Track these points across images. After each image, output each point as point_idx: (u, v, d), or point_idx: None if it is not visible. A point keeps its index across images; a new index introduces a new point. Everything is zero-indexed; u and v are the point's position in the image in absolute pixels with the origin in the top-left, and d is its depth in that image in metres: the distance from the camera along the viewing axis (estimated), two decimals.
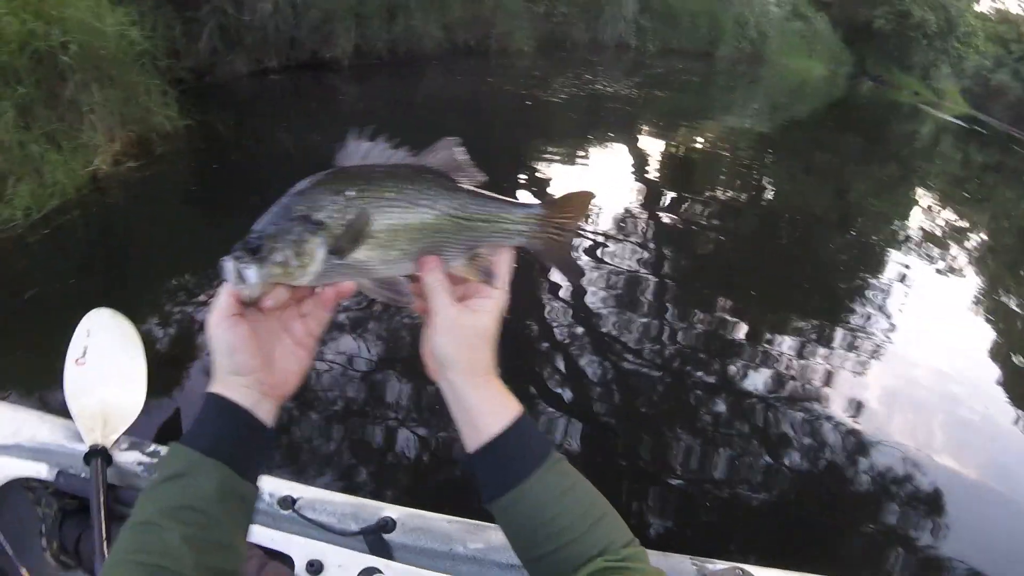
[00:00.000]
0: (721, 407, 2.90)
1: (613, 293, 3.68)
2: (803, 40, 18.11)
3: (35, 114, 3.47)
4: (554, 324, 3.25)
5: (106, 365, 1.49)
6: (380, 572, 1.08)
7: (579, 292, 3.54)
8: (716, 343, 3.39)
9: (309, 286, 0.60)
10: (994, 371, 3.81)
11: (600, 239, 4.29)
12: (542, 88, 8.81)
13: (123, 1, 4.45)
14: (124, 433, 1.32)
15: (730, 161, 7.43)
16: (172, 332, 2.73)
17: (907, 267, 5.10)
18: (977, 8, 27.58)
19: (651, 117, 8.90)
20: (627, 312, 3.51)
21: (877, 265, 5.06)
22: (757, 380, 3.09)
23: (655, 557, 1.14)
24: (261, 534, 1.13)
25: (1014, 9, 31.83)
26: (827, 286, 4.50)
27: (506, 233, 0.64)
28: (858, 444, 2.76)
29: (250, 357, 0.58)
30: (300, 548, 1.13)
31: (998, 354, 4.03)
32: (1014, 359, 3.99)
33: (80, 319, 1.57)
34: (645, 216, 5.06)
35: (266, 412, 0.60)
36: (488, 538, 1.16)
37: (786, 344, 3.44)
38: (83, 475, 1.21)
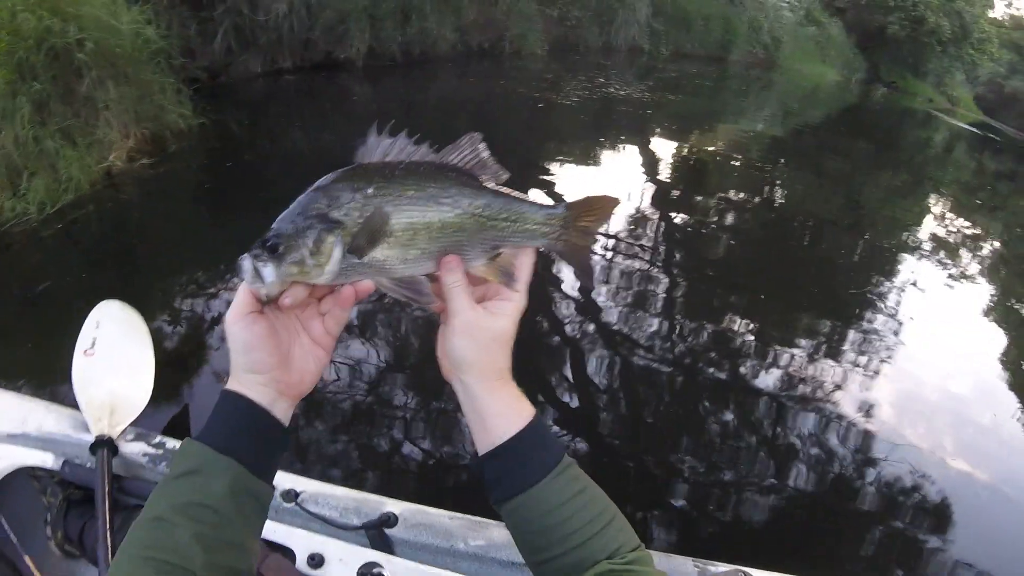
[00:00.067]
0: (727, 409, 2.89)
1: (622, 294, 3.67)
2: (816, 45, 18.01)
3: (51, 110, 3.52)
4: (562, 323, 3.24)
5: (114, 356, 1.50)
6: (381, 567, 1.08)
7: (588, 292, 3.53)
8: (724, 345, 3.37)
9: (328, 285, 0.59)
10: (1004, 378, 3.77)
11: (611, 240, 4.28)
12: (555, 91, 8.81)
13: (139, 0, 4.51)
14: (130, 424, 1.33)
15: (742, 166, 7.39)
16: (182, 327, 2.75)
17: (918, 274, 5.05)
18: (991, 14, 27.29)
19: (663, 121, 8.87)
20: (635, 313, 3.50)
21: (888, 271, 5.02)
22: (764, 383, 3.07)
23: (657, 558, 1.14)
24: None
25: None
26: (838, 291, 4.46)
27: (528, 234, 0.63)
28: (865, 449, 2.74)
29: (267, 355, 0.58)
30: (302, 541, 1.14)
31: (1008, 361, 3.98)
32: None
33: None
34: (656, 219, 5.05)
35: (282, 411, 0.60)
36: (490, 535, 1.16)
37: (795, 348, 3.42)
38: (89, 465, 1.22)
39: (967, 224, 7.37)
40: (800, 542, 2.25)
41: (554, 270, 3.60)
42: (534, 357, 2.92)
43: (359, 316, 2.93)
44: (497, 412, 0.61)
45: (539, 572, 0.61)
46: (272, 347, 0.58)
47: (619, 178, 5.91)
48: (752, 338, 3.46)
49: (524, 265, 0.64)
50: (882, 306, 4.27)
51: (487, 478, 0.61)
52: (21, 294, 2.87)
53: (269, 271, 0.55)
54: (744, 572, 1.09)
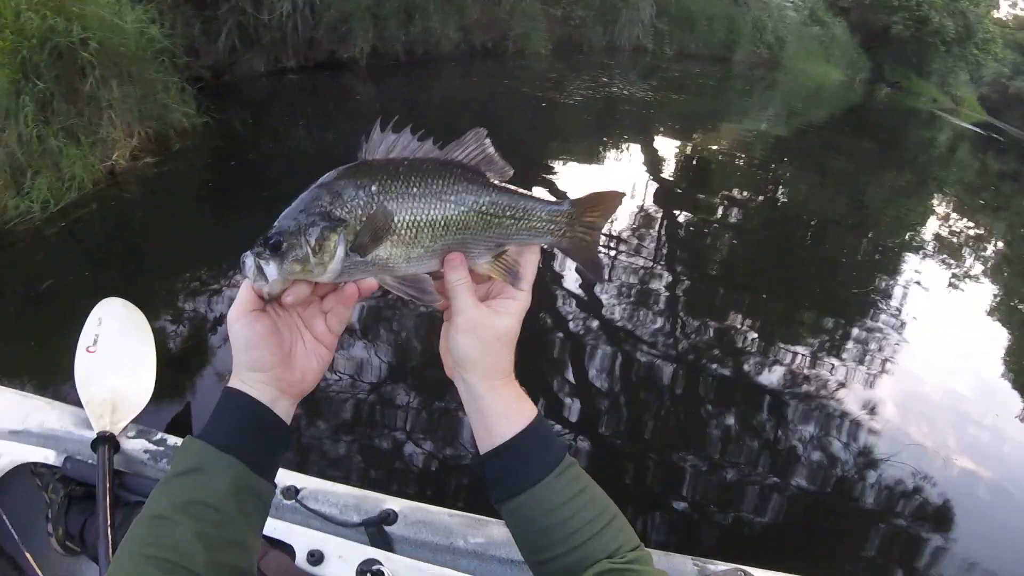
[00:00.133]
0: (729, 409, 2.88)
1: (625, 292, 3.68)
2: (820, 45, 17.97)
3: (54, 109, 3.53)
4: (564, 321, 3.24)
5: (116, 354, 1.51)
6: (380, 564, 1.09)
7: (591, 290, 3.53)
8: (726, 344, 3.37)
9: (330, 283, 0.59)
10: (1007, 378, 3.76)
11: (614, 240, 4.28)
12: (558, 90, 8.81)
13: None
14: (132, 422, 1.33)
15: (746, 165, 7.38)
16: (184, 325, 2.76)
17: (922, 274, 5.03)
18: (996, 14, 27.17)
19: (667, 120, 8.87)
20: (638, 312, 3.50)
21: (892, 271, 5.00)
22: (766, 382, 3.07)
23: (657, 557, 1.14)
24: None
25: None
26: (840, 290, 4.45)
27: (534, 231, 0.63)
28: (867, 448, 2.73)
29: (269, 353, 0.57)
30: (301, 538, 1.14)
31: (1011, 361, 3.97)
32: None
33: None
34: (659, 217, 5.05)
35: (284, 409, 0.59)
36: (489, 533, 1.16)
37: (797, 347, 3.41)
38: (90, 462, 1.23)
39: (970, 224, 7.35)
40: (801, 542, 2.24)
41: (556, 268, 3.60)
42: (536, 355, 2.92)
43: (361, 313, 2.93)
44: (499, 411, 0.61)
45: (539, 571, 0.61)
46: (274, 345, 0.58)
47: (623, 177, 5.90)
48: (754, 337, 3.46)
49: (529, 263, 0.64)
50: (885, 306, 4.26)
51: (489, 477, 0.61)
52: (24, 292, 2.89)
53: (272, 269, 0.54)
54: (744, 571, 1.09)
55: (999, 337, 4.38)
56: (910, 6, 19.04)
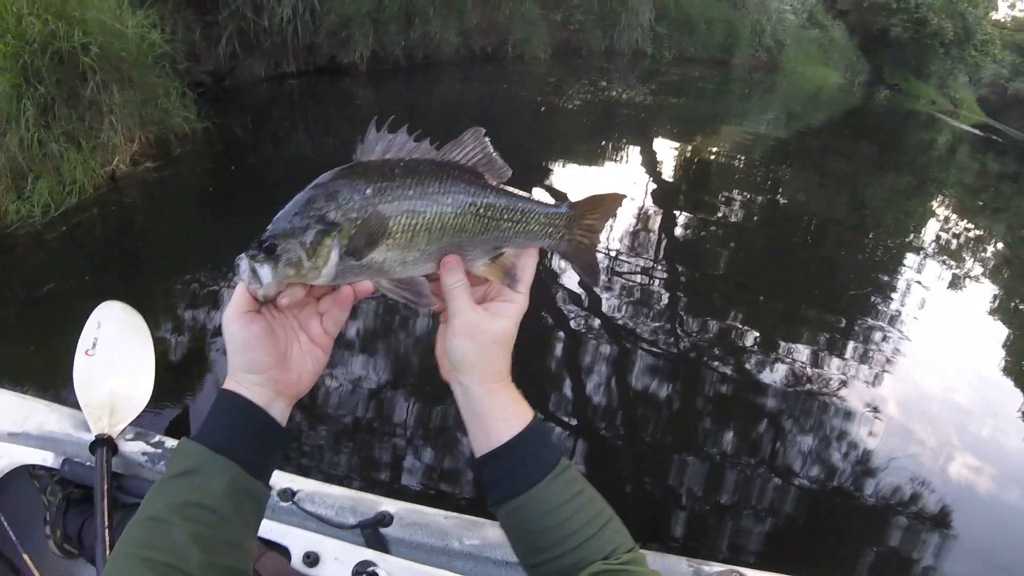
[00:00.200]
0: (726, 409, 2.89)
1: (624, 294, 3.68)
2: (819, 48, 17.99)
3: (55, 113, 3.54)
4: (561, 321, 3.25)
5: (115, 357, 1.51)
6: (375, 565, 1.09)
7: (589, 291, 3.53)
8: (725, 346, 3.37)
9: (326, 285, 0.58)
10: (1007, 380, 3.75)
11: (613, 243, 4.29)
12: (557, 95, 8.84)
13: (144, 4, 4.54)
14: (130, 424, 1.34)
15: (745, 168, 7.39)
16: (184, 329, 2.77)
17: (922, 275, 5.04)
18: (994, 16, 27.18)
19: (666, 124, 8.89)
20: (636, 313, 3.50)
21: (892, 274, 5.01)
22: (764, 383, 3.07)
23: (652, 558, 1.14)
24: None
25: None
26: (840, 292, 4.46)
27: (532, 234, 0.62)
28: (866, 451, 2.73)
29: (264, 355, 0.57)
30: (297, 539, 1.14)
31: (1012, 365, 3.96)
32: None
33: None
34: (658, 221, 5.06)
35: (280, 411, 0.59)
36: (484, 534, 1.16)
37: (796, 351, 3.41)
38: (88, 464, 1.23)
39: (970, 226, 7.36)
40: (797, 544, 2.24)
41: (554, 269, 3.61)
42: (533, 357, 2.93)
43: (357, 316, 2.94)
44: (496, 414, 0.61)
45: (535, 573, 0.61)
46: (270, 347, 0.58)
47: (622, 180, 5.91)
48: (753, 338, 3.46)
49: (527, 266, 0.63)
50: (885, 308, 4.26)
51: (486, 479, 0.61)
52: (25, 295, 2.90)
53: (266, 272, 0.54)
54: (739, 572, 1.09)
55: (999, 337, 4.38)
56: (909, 8, 19.06)
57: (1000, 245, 7.04)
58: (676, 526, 2.19)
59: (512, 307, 0.62)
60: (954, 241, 6.56)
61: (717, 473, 2.46)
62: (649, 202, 5.45)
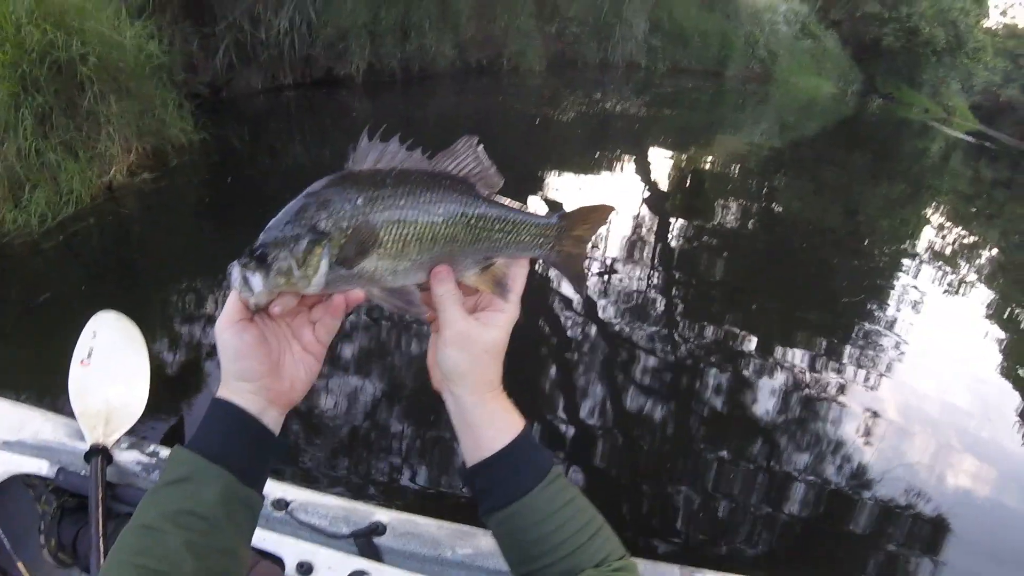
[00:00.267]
0: (721, 416, 2.89)
1: (618, 304, 3.69)
2: (812, 59, 18.15)
3: (53, 123, 3.55)
4: (552, 331, 3.26)
5: (110, 366, 1.52)
6: (369, 575, 1.10)
7: (582, 300, 3.55)
8: (720, 353, 3.38)
9: (317, 294, 0.58)
10: (1003, 385, 3.77)
11: (607, 254, 4.31)
12: (552, 107, 8.90)
13: (142, 15, 4.57)
14: (125, 433, 1.34)
15: (739, 179, 7.44)
16: (179, 339, 2.77)
17: (917, 283, 5.07)
18: (986, 24, 27.46)
19: (660, 135, 8.94)
20: (630, 322, 3.51)
21: (887, 282, 5.03)
22: (756, 392, 3.08)
23: (644, 566, 1.15)
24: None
25: (1022, 23, 31.78)
26: (836, 303, 4.47)
27: (522, 244, 0.62)
28: (862, 461, 2.73)
29: (257, 363, 0.58)
30: (291, 549, 1.15)
31: (1008, 371, 3.98)
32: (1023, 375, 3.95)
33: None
34: (653, 232, 5.08)
35: (272, 419, 0.59)
36: (477, 543, 1.17)
37: (790, 360, 3.42)
38: (83, 473, 1.23)
39: (964, 233, 7.41)
40: (792, 553, 2.24)
41: (546, 279, 3.62)
42: (526, 366, 2.94)
43: (350, 324, 2.95)
44: (488, 424, 0.61)
45: None
46: (262, 355, 0.58)
47: (616, 192, 5.95)
48: (750, 345, 3.47)
49: (517, 276, 0.64)
50: (880, 315, 4.28)
51: (477, 488, 0.61)
52: (21, 304, 2.90)
53: (257, 281, 0.55)
54: None
55: (995, 343, 4.40)
56: (900, 18, 19.25)
57: (994, 251, 7.09)
58: (668, 534, 2.19)
59: (503, 317, 0.62)
60: (949, 247, 6.60)
61: (712, 480, 2.46)
62: (644, 211, 5.48)
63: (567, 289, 3.53)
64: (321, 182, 0.57)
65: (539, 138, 7.60)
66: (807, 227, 6.10)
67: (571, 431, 2.61)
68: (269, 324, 0.60)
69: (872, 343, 3.82)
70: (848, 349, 3.68)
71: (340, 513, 1.20)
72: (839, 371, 3.41)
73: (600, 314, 3.54)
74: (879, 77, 21.06)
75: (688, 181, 7.11)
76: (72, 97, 3.71)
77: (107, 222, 3.63)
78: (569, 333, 3.34)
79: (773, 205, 6.67)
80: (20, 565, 1.21)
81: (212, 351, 2.65)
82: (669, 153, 8.10)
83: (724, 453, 2.62)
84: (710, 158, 8.12)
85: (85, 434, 1.28)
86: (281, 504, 1.19)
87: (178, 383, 2.47)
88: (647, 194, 6.10)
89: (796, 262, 5.23)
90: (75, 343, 1.54)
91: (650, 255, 4.61)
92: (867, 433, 2.93)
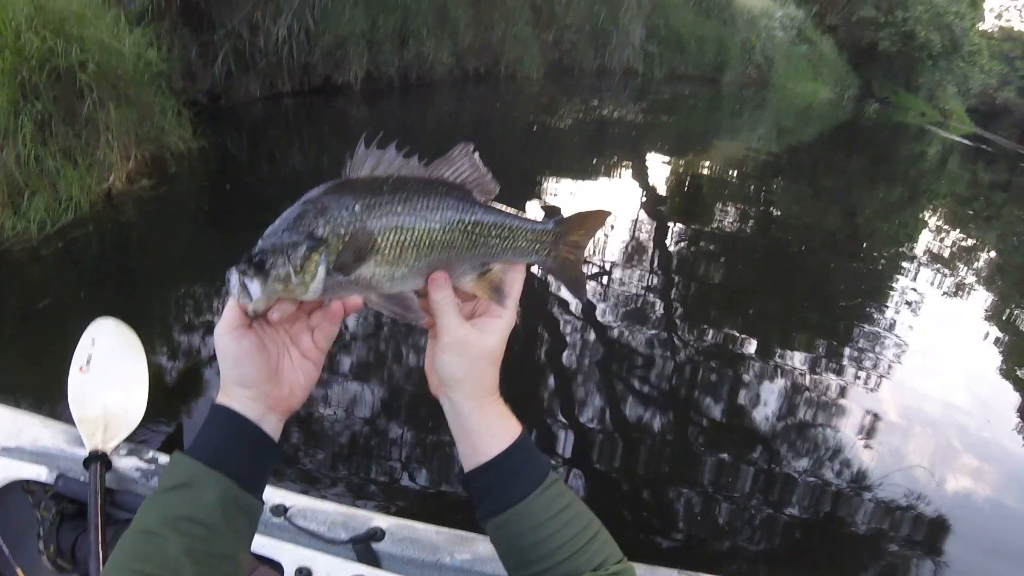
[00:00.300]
0: (718, 419, 2.90)
1: (616, 309, 3.70)
2: (809, 64, 18.26)
3: (52, 130, 3.54)
4: (550, 336, 3.26)
5: (109, 373, 1.52)
6: None
7: (579, 306, 3.55)
8: (717, 358, 3.39)
9: (315, 300, 0.59)
10: (1002, 387, 3.77)
11: (605, 261, 4.32)
12: (550, 114, 8.93)
13: (141, 23, 4.58)
14: (124, 440, 1.35)
15: (736, 184, 7.47)
16: (177, 345, 2.77)
17: (915, 286, 5.08)
18: (981, 27, 27.62)
19: (657, 142, 8.98)
20: (628, 326, 3.52)
21: (885, 286, 5.05)
22: (755, 395, 3.09)
23: (642, 570, 1.15)
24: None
25: (1018, 26, 32.03)
26: (834, 307, 4.49)
27: (519, 250, 0.63)
28: (862, 465, 2.73)
29: (255, 369, 0.58)
30: (290, 555, 1.15)
31: (1008, 373, 3.99)
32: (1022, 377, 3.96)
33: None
34: (650, 238, 5.09)
35: (272, 425, 0.59)
36: (476, 549, 1.17)
37: (790, 362, 3.43)
38: (82, 479, 1.24)
39: (962, 236, 7.44)
40: (791, 555, 2.24)
41: (545, 284, 3.63)
42: (523, 372, 2.94)
43: (347, 331, 2.95)
44: (485, 429, 0.61)
45: None
46: (261, 361, 0.58)
47: (614, 198, 5.97)
48: (747, 350, 3.48)
49: (514, 281, 0.64)
50: (879, 317, 4.29)
51: (474, 494, 0.62)
52: (20, 311, 2.90)
53: (255, 287, 0.55)
54: None
55: (995, 347, 4.42)
56: (896, 22, 19.39)
57: (993, 253, 7.12)
58: (667, 537, 2.19)
59: (500, 323, 0.63)
60: (947, 250, 6.64)
61: (711, 483, 2.46)
62: (643, 217, 5.49)
63: (566, 294, 3.54)
64: (319, 189, 0.57)
65: (537, 145, 7.63)
66: (805, 231, 6.12)
67: (569, 435, 2.61)
68: (268, 330, 0.60)
69: (871, 345, 3.83)
70: (847, 351, 3.69)
71: (339, 519, 1.20)
72: (839, 373, 3.42)
73: (599, 318, 3.55)
74: (876, 81, 21.19)
75: (686, 187, 7.13)
76: (71, 104, 3.71)
77: (106, 229, 3.64)
78: (567, 338, 3.35)
79: (771, 209, 6.69)
80: (19, 571, 1.21)
81: (211, 358, 2.65)
82: (667, 159, 8.13)
83: (723, 456, 2.63)
84: (708, 164, 8.16)
85: (84, 440, 1.29)
86: (280, 510, 1.19)
87: (177, 389, 2.46)
88: (645, 200, 6.12)
89: (795, 265, 5.25)
90: (74, 350, 1.54)
91: (648, 260, 4.62)
92: (867, 435, 2.94)
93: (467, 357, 0.61)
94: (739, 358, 3.38)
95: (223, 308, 0.59)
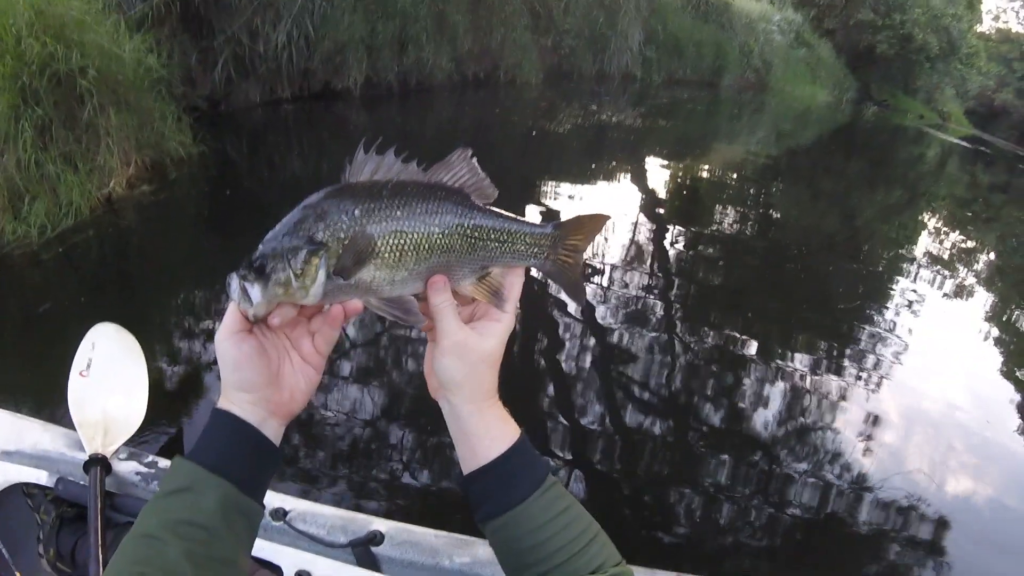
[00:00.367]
0: (718, 422, 2.90)
1: (616, 312, 3.71)
2: (807, 67, 18.30)
3: (52, 135, 3.55)
4: (554, 340, 3.26)
5: (109, 377, 1.52)
6: None
7: (582, 311, 3.56)
8: (715, 362, 3.39)
9: (315, 304, 0.59)
10: (1003, 392, 3.77)
11: (605, 265, 4.32)
12: (549, 118, 8.96)
13: (141, 28, 4.60)
14: (124, 444, 1.35)
15: (736, 188, 7.48)
16: (177, 350, 2.78)
17: (915, 288, 5.09)
18: (979, 29, 27.70)
19: (656, 146, 8.99)
20: (627, 330, 3.52)
21: (885, 289, 5.05)
22: (755, 397, 3.09)
23: (640, 573, 1.15)
24: None
25: (1015, 28, 32.13)
26: (835, 310, 4.49)
27: (518, 254, 0.63)
28: (862, 468, 2.73)
29: (256, 374, 0.58)
30: (289, 559, 1.15)
31: (1008, 373, 3.99)
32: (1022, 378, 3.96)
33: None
34: (650, 243, 5.10)
35: (273, 430, 0.60)
36: (475, 552, 1.17)
37: (790, 364, 3.43)
38: (82, 483, 1.24)
39: (962, 238, 7.45)
40: (791, 558, 2.24)
41: (544, 287, 3.64)
42: (523, 375, 2.94)
43: (347, 336, 2.95)
44: (484, 432, 0.62)
45: None
46: (261, 366, 0.58)
47: (613, 202, 5.98)
48: (747, 351, 3.48)
49: (513, 285, 0.64)
50: (881, 324, 4.29)
51: (473, 497, 0.62)
52: (20, 315, 2.91)
53: (256, 292, 0.55)
54: None
55: (995, 349, 4.42)
56: (894, 25, 19.44)
57: (992, 255, 7.14)
58: (666, 540, 2.19)
59: (499, 326, 0.63)
60: (947, 252, 6.65)
61: (711, 486, 2.46)
62: (642, 220, 5.50)
63: (565, 297, 3.54)
64: (318, 194, 0.58)
65: (536, 150, 7.65)
66: (804, 233, 6.13)
67: (568, 437, 2.61)
68: (268, 335, 0.60)
69: (871, 346, 3.84)
70: (848, 353, 3.70)
71: (338, 522, 1.20)
72: (838, 374, 3.42)
73: (598, 321, 3.55)
74: (874, 84, 21.25)
75: (685, 190, 7.14)
76: (72, 109, 3.72)
77: (106, 234, 3.65)
78: (567, 340, 3.35)
79: (771, 212, 6.71)
80: (19, 575, 1.21)
81: (211, 362, 2.65)
82: (666, 163, 8.15)
83: (723, 458, 2.63)
84: (707, 167, 8.18)
85: (84, 444, 1.29)
86: (279, 513, 1.19)
87: (177, 394, 2.47)
88: (644, 204, 6.13)
89: (794, 267, 5.25)
90: (74, 354, 1.55)
91: (648, 263, 4.63)
92: (867, 436, 2.94)
93: (466, 360, 0.61)
94: (739, 360, 3.39)
95: (223, 313, 0.59)
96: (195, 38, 5.70)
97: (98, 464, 1.22)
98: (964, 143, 18.68)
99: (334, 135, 6.71)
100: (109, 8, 4.42)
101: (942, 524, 2.48)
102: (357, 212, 0.56)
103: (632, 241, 4.94)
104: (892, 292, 4.94)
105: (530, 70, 10.50)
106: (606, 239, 4.72)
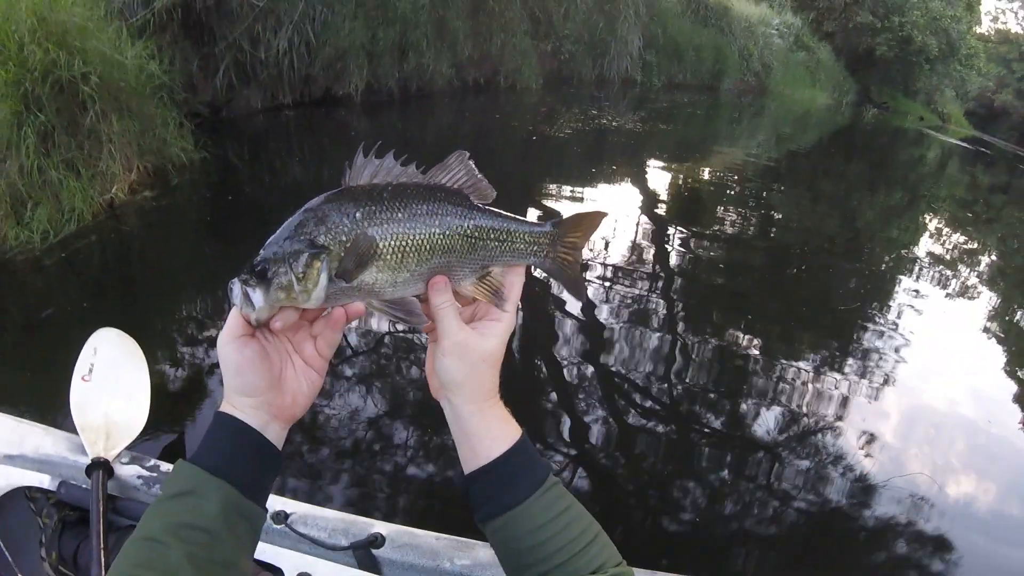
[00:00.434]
0: (719, 424, 2.89)
1: (617, 314, 3.70)
2: (807, 70, 18.32)
3: (55, 141, 3.57)
4: (555, 341, 3.26)
5: (111, 382, 1.53)
6: None
7: (583, 312, 3.56)
8: (717, 363, 3.39)
9: (317, 308, 0.59)
10: (1006, 393, 3.76)
11: (606, 268, 4.33)
12: (549, 123, 8.97)
13: (143, 35, 4.63)
14: (126, 448, 1.35)
15: (736, 191, 7.48)
16: (179, 355, 2.78)
17: (916, 289, 5.08)
18: (978, 30, 27.70)
19: (656, 150, 8.99)
20: (629, 330, 3.52)
21: (887, 291, 5.05)
22: (756, 399, 3.08)
23: (642, 574, 1.15)
24: None
25: (1014, 28, 32.15)
26: (837, 313, 4.49)
27: (518, 253, 0.64)
28: (864, 469, 2.72)
29: (258, 378, 0.58)
30: (291, 561, 1.15)
31: (1010, 374, 3.98)
32: None
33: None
34: (651, 246, 5.10)
35: (275, 434, 0.60)
36: (475, 555, 1.18)
37: (793, 370, 3.43)
38: (84, 486, 1.24)
39: (963, 239, 7.45)
40: (791, 560, 2.23)
41: (545, 288, 3.64)
42: (522, 374, 2.94)
43: (348, 339, 2.96)
44: (485, 432, 0.62)
45: None
46: (263, 370, 0.58)
47: (614, 205, 5.98)
48: (749, 360, 3.47)
49: (513, 284, 0.65)
50: (883, 326, 4.29)
51: (474, 497, 0.62)
52: (23, 320, 2.92)
53: (258, 296, 0.55)
54: None
55: (995, 347, 4.41)
56: (893, 27, 19.45)
57: (993, 255, 7.13)
58: (666, 542, 2.18)
59: (500, 326, 0.63)
60: (948, 253, 6.64)
61: (712, 488, 2.45)
62: (641, 225, 5.50)
63: (565, 296, 3.55)
64: (319, 198, 0.58)
65: (536, 154, 7.66)
66: (806, 235, 6.13)
67: (569, 437, 2.61)
68: (270, 339, 0.60)
69: (872, 347, 3.83)
70: (849, 353, 3.69)
71: (339, 525, 1.21)
72: (840, 375, 3.42)
73: (600, 320, 3.55)
74: (874, 87, 21.26)
75: (686, 193, 7.15)
76: (74, 116, 3.74)
77: (108, 239, 3.66)
78: (568, 340, 3.35)
79: (772, 214, 6.70)
80: None
81: (213, 367, 2.65)
82: (666, 167, 8.16)
83: (724, 458, 2.62)
84: (707, 170, 8.18)
85: (86, 448, 1.29)
86: (280, 516, 1.20)
87: (179, 398, 2.47)
88: (645, 206, 6.14)
89: (795, 269, 5.25)
90: (76, 359, 1.55)
91: (649, 264, 4.63)
92: (868, 438, 2.93)
93: (467, 360, 0.61)
94: (740, 360, 3.39)
95: (226, 318, 0.59)
96: (196, 45, 5.73)
97: (100, 468, 1.22)
98: (964, 144, 18.68)
99: (335, 141, 6.72)
100: (111, 15, 4.44)
101: (943, 524, 2.47)
102: (358, 215, 0.57)
103: (633, 243, 4.95)
104: (893, 293, 4.93)
105: (530, 75, 10.53)
106: (607, 240, 4.73)
